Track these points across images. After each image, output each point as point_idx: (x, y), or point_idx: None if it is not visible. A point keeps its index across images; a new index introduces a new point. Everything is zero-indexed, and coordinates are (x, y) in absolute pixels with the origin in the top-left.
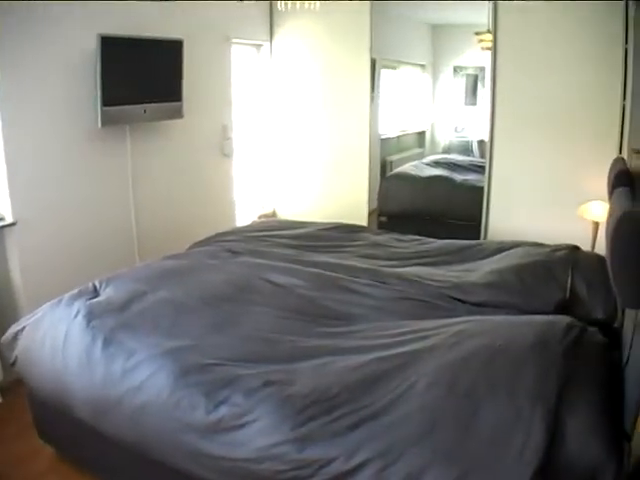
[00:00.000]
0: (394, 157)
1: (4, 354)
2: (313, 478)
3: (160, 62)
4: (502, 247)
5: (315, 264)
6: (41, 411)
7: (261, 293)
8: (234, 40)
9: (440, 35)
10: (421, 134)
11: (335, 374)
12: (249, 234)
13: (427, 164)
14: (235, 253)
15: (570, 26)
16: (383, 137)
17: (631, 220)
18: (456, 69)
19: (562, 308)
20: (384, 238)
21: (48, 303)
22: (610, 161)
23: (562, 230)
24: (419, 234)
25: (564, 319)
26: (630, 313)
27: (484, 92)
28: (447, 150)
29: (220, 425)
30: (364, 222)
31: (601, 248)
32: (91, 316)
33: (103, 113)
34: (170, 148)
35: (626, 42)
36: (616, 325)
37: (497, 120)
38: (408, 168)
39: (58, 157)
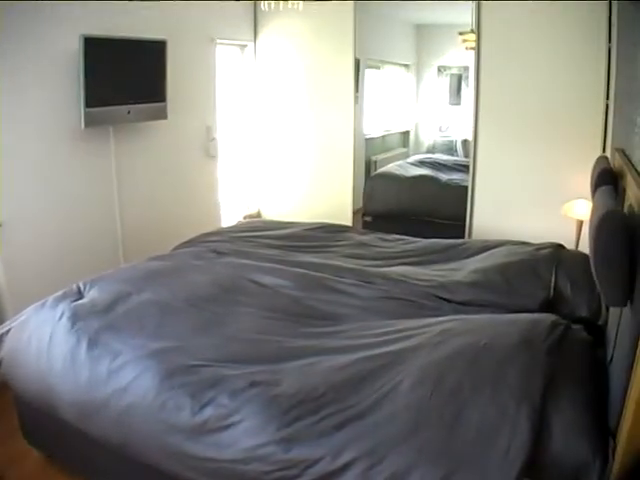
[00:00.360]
0: (379, 157)
1: None
2: (299, 478)
3: (144, 63)
4: (487, 246)
5: (300, 264)
6: (27, 414)
7: (246, 294)
8: (218, 40)
9: (424, 35)
10: (405, 134)
11: (321, 374)
12: (234, 235)
13: (412, 164)
14: (220, 254)
15: (554, 26)
16: (367, 137)
17: (613, 219)
18: (440, 69)
19: (546, 306)
20: (369, 238)
21: (32, 305)
22: (594, 160)
23: (546, 229)
24: (404, 234)
25: (548, 317)
26: (614, 311)
27: (468, 92)
28: (431, 150)
29: (206, 426)
30: (349, 222)
31: (585, 246)
32: (75, 318)
33: (86, 114)
34: (154, 149)
35: (609, 41)
36: (600, 323)
37: (481, 119)
38: (393, 168)
39: (42, 158)
